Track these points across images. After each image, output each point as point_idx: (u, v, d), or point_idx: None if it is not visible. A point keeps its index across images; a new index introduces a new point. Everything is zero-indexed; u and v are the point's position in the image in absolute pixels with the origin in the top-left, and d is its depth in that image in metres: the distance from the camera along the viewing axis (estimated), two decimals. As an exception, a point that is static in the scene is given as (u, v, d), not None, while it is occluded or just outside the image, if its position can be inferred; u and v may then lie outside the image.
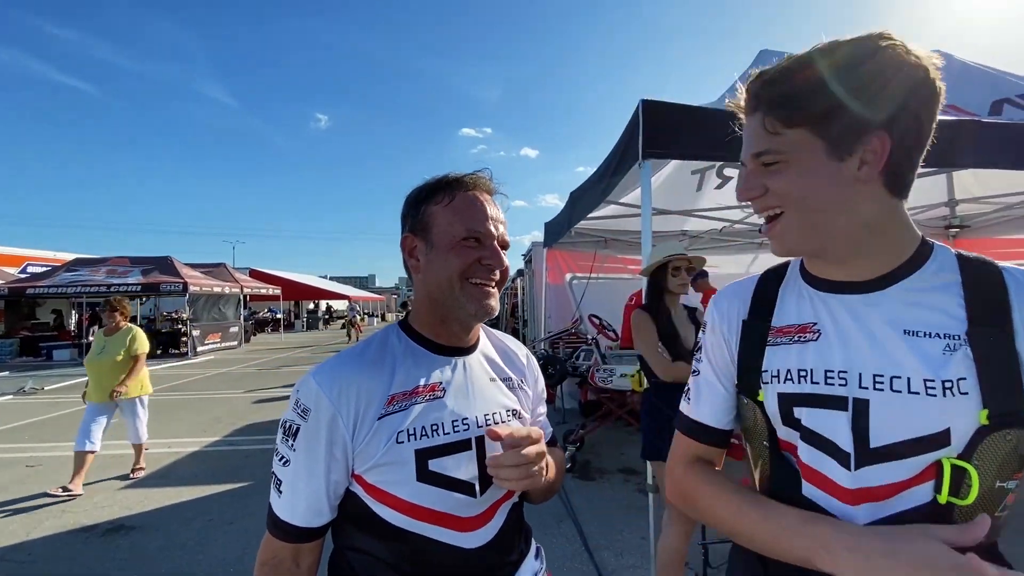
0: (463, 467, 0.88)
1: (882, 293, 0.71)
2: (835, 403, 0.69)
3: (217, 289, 16.34)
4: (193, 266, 17.11)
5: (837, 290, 0.74)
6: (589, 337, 6.44)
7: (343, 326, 20.55)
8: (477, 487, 0.89)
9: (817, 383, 0.70)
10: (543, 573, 1.02)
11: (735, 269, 7.04)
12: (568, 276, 7.07)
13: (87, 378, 4.55)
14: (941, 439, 0.63)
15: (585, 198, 4.12)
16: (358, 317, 21.91)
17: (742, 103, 0.75)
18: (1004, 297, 0.66)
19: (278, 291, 22.11)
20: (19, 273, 16.79)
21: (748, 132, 0.74)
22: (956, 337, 0.65)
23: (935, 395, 0.64)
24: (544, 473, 0.90)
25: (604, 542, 3.28)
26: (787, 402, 0.73)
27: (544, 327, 7.26)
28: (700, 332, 0.90)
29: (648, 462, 2.46)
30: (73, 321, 17.34)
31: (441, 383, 0.91)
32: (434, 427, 0.87)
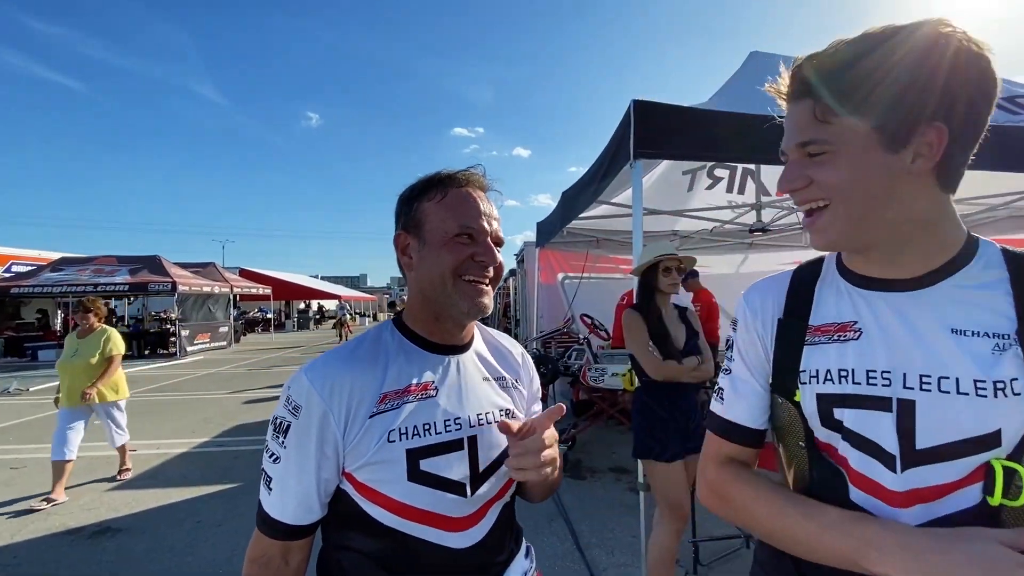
0: (454, 467, 0.87)
1: (928, 290, 0.68)
2: (878, 404, 0.67)
3: (206, 289, 16.19)
4: (182, 265, 16.94)
5: (879, 287, 0.72)
6: (581, 336, 6.46)
7: (334, 326, 20.45)
8: (468, 487, 0.88)
9: (859, 383, 0.68)
10: (533, 572, 1.01)
11: (726, 269, 7.11)
12: (560, 276, 7.09)
13: (59, 383, 4.37)
14: (991, 440, 0.62)
15: (577, 198, 4.12)
16: (348, 317, 21.76)
17: (784, 88, 0.72)
18: None
19: (268, 291, 21.96)
20: (3, 272, 16.52)
21: (792, 120, 0.70)
22: (1006, 336, 0.64)
23: (985, 396, 0.62)
24: (557, 465, 0.89)
25: (595, 541, 3.29)
26: (827, 403, 0.70)
27: (536, 326, 7.26)
28: (731, 331, 0.86)
29: (639, 461, 2.47)
30: (59, 321, 17.10)
31: (434, 382, 0.90)
32: (426, 426, 0.86)
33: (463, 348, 0.97)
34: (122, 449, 4.65)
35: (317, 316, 33.39)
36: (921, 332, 0.67)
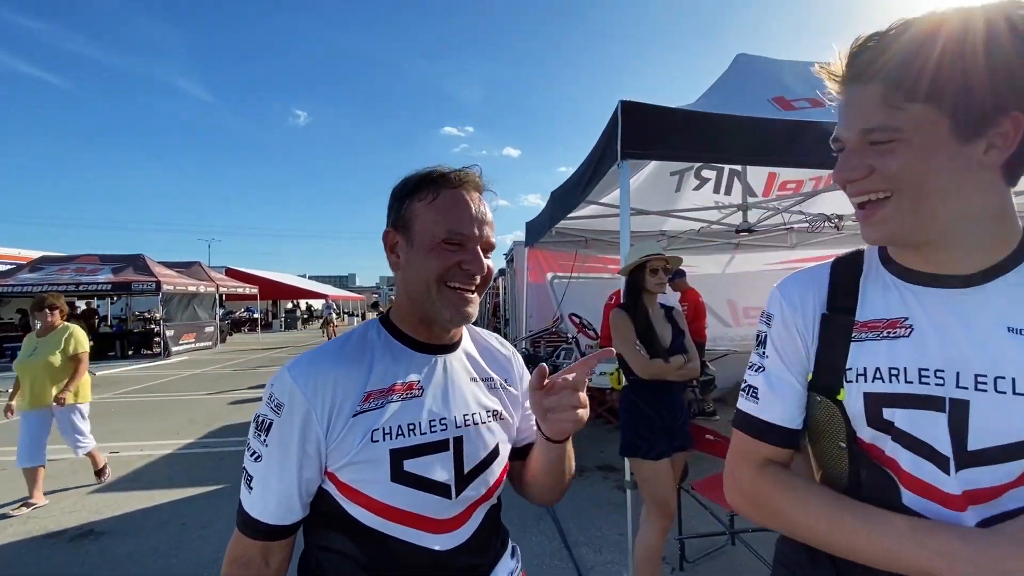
0: (439, 468, 0.86)
1: (984, 287, 0.65)
2: (931, 404, 0.64)
3: (192, 288, 15.96)
4: (167, 264, 16.68)
5: (931, 283, 0.68)
6: (569, 336, 6.49)
7: (322, 326, 20.30)
8: (453, 489, 0.87)
9: (911, 383, 0.65)
10: (518, 572, 1.01)
11: (713, 269, 7.18)
12: (549, 275, 7.11)
13: (14, 386, 4.08)
14: None
15: (566, 198, 4.14)
16: (334, 316, 21.57)
17: (840, 71, 0.67)
18: None
19: (255, 290, 21.71)
20: (-19, 271, 16.16)
21: (855, 105, 0.65)
22: None
23: None
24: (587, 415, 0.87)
25: (583, 539, 3.31)
26: (876, 402, 0.67)
27: (525, 326, 7.27)
28: (763, 326, 0.81)
29: (626, 459, 2.49)
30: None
31: (419, 381, 0.89)
32: (411, 426, 0.85)
33: (451, 348, 0.96)
34: (91, 455, 4.37)
35: (305, 316, 33.11)
36: (976, 330, 0.64)
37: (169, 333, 14.92)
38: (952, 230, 0.65)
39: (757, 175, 4.76)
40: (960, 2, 0.62)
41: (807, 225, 5.00)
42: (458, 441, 0.89)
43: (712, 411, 6.16)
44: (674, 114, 2.73)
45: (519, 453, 1.05)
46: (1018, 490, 0.61)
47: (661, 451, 2.33)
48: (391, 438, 0.83)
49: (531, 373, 0.90)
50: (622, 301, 2.59)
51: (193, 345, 16.26)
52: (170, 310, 15.17)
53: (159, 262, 16.13)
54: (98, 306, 19.34)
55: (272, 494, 0.82)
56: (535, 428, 0.96)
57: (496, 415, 0.96)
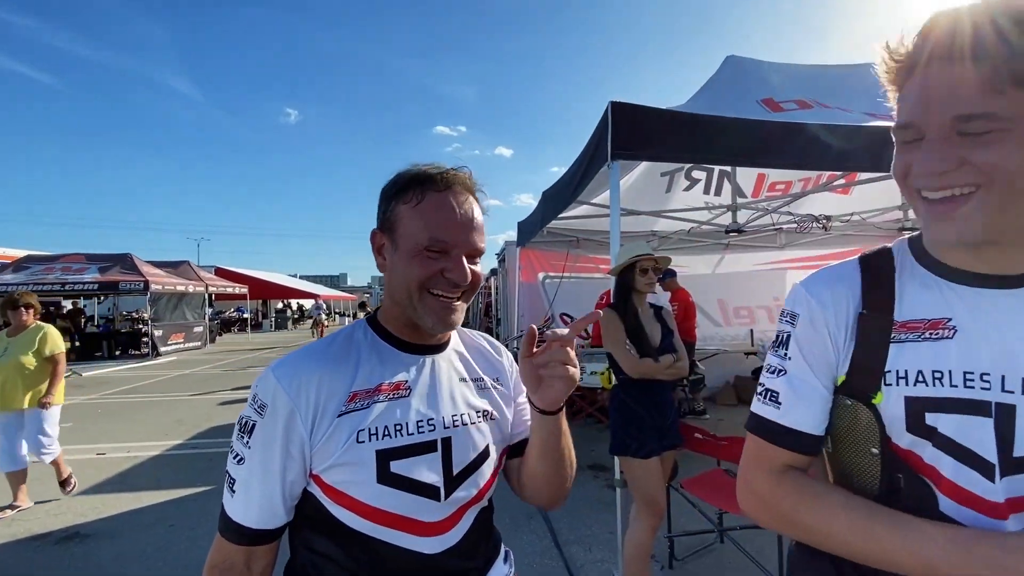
0: (427, 469, 0.84)
1: None
2: (978, 408, 0.61)
3: (180, 288, 15.81)
4: (155, 264, 16.50)
5: (977, 283, 0.65)
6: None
7: (312, 326, 20.15)
8: (442, 490, 0.85)
9: (956, 386, 0.62)
10: None
11: (703, 269, 7.23)
12: (541, 275, 7.12)
13: None
14: None
15: (557, 198, 4.15)
16: (323, 316, 21.38)
17: (918, 47, 0.60)
18: None
19: (245, 290, 21.55)
20: (-36, 270, 15.89)
21: (945, 87, 0.58)
22: None
23: None
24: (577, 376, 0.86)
25: (573, 538, 3.32)
26: (918, 407, 0.64)
27: (517, 326, 7.28)
28: (785, 325, 0.76)
29: (616, 457, 2.50)
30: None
31: (407, 382, 0.87)
32: (397, 427, 0.83)
33: (439, 348, 0.95)
34: (56, 463, 4.07)
35: (296, 316, 32.90)
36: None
37: (157, 333, 14.77)
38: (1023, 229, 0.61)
39: (747, 176, 4.81)
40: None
41: (795, 226, 5.06)
42: (446, 442, 0.87)
43: (702, 410, 6.20)
44: (664, 115, 2.75)
45: (515, 450, 1.03)
46: None
47: (651, 450, 2.35)
48: (377, 439, 0.81)
49: None
50: (612, 301, 2.60)
51: (182, 345, 16.10)
52: (158, 310, 15.00)
53: (147, 261, 15.95)
54: (85, 306, 19.09)
55: (255, 497, 0.80)
56: (528, 422, 0.95)
57: (486, 415, 0.94)
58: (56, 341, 4.05)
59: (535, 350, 0.84)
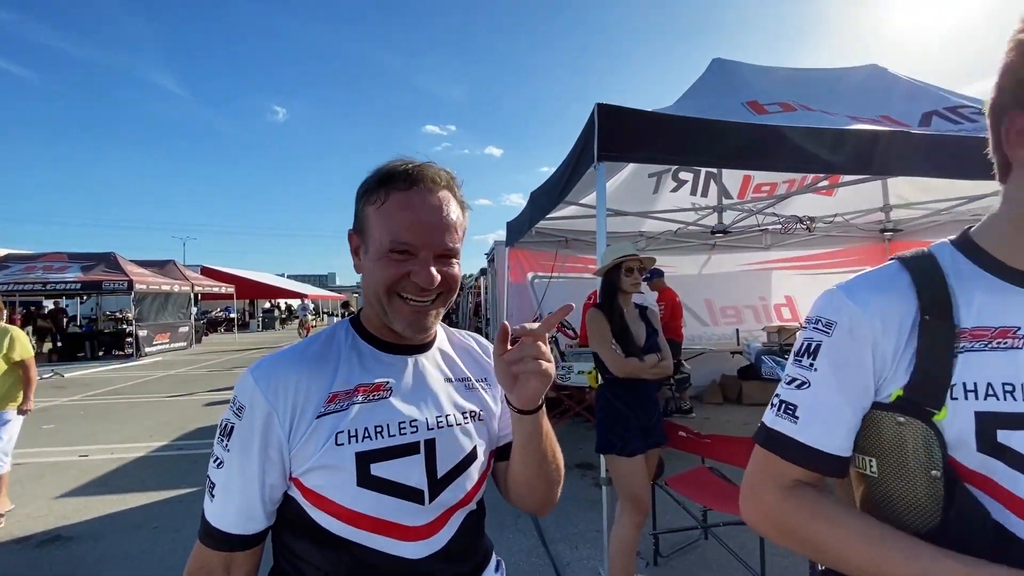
0: (410, 472, 0.82)
1: None
2: None
3: (165, 287, 15.60)
4: (139, 263, 16.26)
5: None
6: (549, 335, 6.52)
7: (299, 326, 19.96)
8: (426, 493, 0.83)
9: None
10: None
11: (690, 269, 7.30)
12: (530, 275, 7.14)
13: None
14: None
15: (545, 199, 4.17)
16: (309, 317, 21.13)
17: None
18: None
19: (231, 289, 21.31)
20: (-58, 269, 15.53)
21: None
22: None
23: None
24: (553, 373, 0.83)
25: (559, 536, 3.35)
26: (989, 423, 0.58)
27: (506, 326, 7.28)
28: (816, 333, 0.70)
29: (602, 456, 2.53)
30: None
31: (388, 382, 0.85)
32: (378, 428, 0.81)
33: (423, 348, 0.92)
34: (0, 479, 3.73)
35: (283, 316, 32.61)
36: None
37: (142, 333, 14.55)
38: None
39: (733, 178, 4.87)
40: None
41: (780, 226, 5.13)
42: (430, 444, 0.85)
43: (689, 408, 6.26)
44: (649, 117, 2.78)
45: (502, 453, 0.99)
46: None
47: (636, 448, 2.38)
48: (356, 440, 0.79)
49: None
50: (597, 301, 2.63)
51: (167, 346, 15.89)
52: (143, 310, 14.79)
53: (131, 260, 15.73)
54: (67, 306, 18.76)
55: (234, 501, 0.78)
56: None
57: (473, 416, 0.92)
58: (26, 345, 3.85)
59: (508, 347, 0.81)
